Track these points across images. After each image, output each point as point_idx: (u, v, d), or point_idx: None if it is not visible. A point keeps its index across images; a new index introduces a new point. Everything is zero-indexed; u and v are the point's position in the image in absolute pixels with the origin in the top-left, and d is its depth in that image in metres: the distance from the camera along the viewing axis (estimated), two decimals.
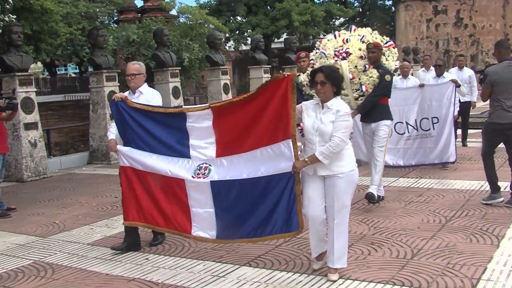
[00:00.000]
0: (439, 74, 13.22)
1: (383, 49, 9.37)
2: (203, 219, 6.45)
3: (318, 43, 9.87)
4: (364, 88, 9.02)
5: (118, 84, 17.47)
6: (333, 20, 46.14)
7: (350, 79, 9.03)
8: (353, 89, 9.11)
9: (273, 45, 46.46)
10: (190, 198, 6.50)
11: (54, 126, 18.04)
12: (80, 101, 27.04)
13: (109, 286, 6.42)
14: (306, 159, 5.94)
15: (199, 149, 6.50)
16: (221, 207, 6.32)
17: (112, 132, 7.50)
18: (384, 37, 9.70)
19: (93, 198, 11.52)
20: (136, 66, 7.74)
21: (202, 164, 6.45)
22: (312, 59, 9.73)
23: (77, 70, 62.14)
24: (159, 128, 6.81)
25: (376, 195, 9.15)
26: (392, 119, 9.44)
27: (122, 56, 22.86)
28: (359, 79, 9.06)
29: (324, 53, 9.34)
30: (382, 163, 9.21)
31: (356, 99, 9.16)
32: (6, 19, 16.02)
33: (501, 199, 8.85)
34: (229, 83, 21.77)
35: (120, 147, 7.16)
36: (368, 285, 5.94)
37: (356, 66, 9.08)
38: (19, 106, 13.08)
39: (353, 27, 9.91)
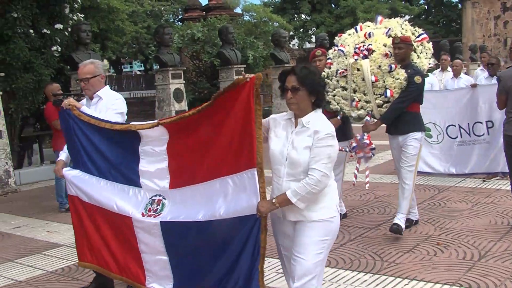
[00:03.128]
0: (492, 73, 11.92)
1: (414, 44, 7.82)
2: (157, 268, 5.13)
3: (337, 38, 8.36)
4: (389, 92, 7.44)
5: (184, 81, 17.64)
6: (398, 17, 45.70)
7: (373, 82, 7.50)
8: (376, 95, 7.55)
9: None
10: (140, 241, 5.14)
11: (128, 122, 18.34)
12: (145, 98, 27.37)
13: None
14: (274, 201, 4.34)
15: (150, 176, 5.10)
16: (176, 255, 4.98)
17: (65, 150, 5.99)
18: (417, 29, 8.08)
19: None
20: (89, 68, 6.19)
21: (155, 196, 5.07)
22: (329, 58, 8.24)
23: (142, 68, 63.04)
24: (109, 147, 5.40)
25: (403, 227, 7.62)
26: (424, 130, 7.96)
27: (187, 54, 23.10)
28: (384, 81, 7.50)
29: (342, 51, 7.89)
30: (411, 186, 7.72)
31: (380, 106, 7.58)
32: (75, 18, 16.36)
33: None
34: None
35: (66, 171, 5.70)
36: (434, 286, 5.89)
37: (379, 66, 7.53)
38: None
39: (379, 17, 8.40)
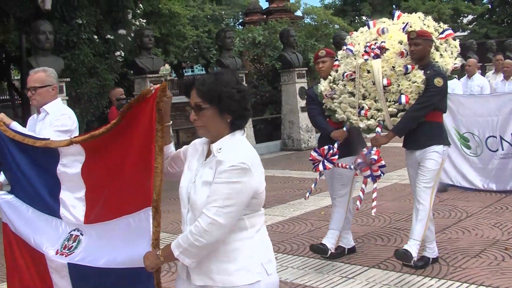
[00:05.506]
0: None
1: (437, 42, 6.63)
2: None
3: (348, 37, 7.20)
4: (404, 99, 6.20)
5: (245, 85, 17.73)
6: (461, 18, 45.06)
7: (385, 87, 6.29)
8: (389, 101, 6.33)
9: None
10: (55, 285, 4.23)
11: (182, 126, 18.50)
12: None
13: None
14: (158, 253, 3.36)
15: (69, 206, 4.19)
16: None
17: None
18: (441, 24, 6.89)
19: None
20: (39, 76, 5.58)
21: (74, 231, 4.17)
22: (337, 59, 7.05)
23: (203, 72, 63.52)
24: (33, 170, 4.45)
25: (413, 254, 6.17)
26: (449, 144, 6.66)
27: (248, 57, 23.19)
28: (398, 85, 6.26)
29: (351, 50, 6.75)
30: (428, 208, 6.48)
31: (394, 115, 6.36)
32: (137, 23, 16.67)
33: None
34: None
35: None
36: None
37: (393, 67, 6.30)
38: None
39: (397, 12, 7.15)
